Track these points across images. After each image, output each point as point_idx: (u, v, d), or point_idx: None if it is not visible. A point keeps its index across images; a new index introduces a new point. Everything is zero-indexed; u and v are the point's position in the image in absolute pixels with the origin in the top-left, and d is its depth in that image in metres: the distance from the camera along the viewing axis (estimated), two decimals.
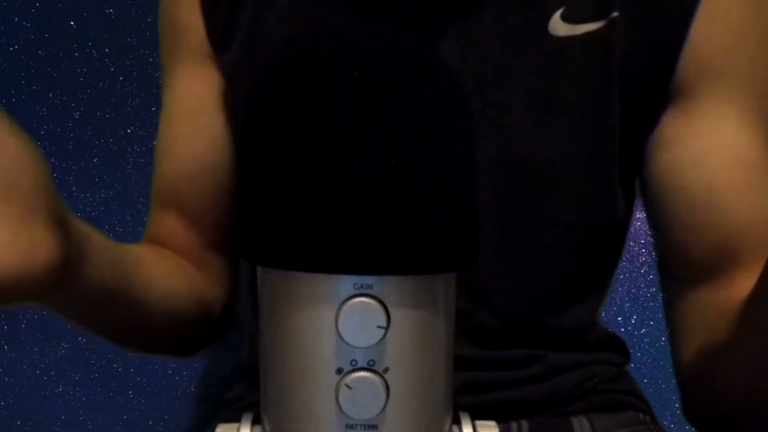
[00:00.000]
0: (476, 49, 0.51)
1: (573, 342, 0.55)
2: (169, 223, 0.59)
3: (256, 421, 0.32)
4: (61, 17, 0.94)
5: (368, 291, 0.27)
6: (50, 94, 0.94)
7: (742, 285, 0.48)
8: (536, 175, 0.51)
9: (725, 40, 0.51)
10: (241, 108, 0.55)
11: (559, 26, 0.51)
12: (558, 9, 0.51)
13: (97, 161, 0.94)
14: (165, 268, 0.54)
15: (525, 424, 0.52)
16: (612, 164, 0.53)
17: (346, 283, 0.27)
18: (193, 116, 0.59)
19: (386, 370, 0.28)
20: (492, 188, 0.50)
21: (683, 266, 0.52)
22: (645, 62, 0.51)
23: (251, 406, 0.34)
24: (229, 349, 0.93)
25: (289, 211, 0.27)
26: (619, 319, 0.97)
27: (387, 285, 0.27)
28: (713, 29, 0.50)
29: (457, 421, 0.32)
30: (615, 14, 0.50)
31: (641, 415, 0.56)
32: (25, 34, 0.93)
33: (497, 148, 0.50)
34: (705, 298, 0.51)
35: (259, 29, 0.55)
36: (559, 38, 0.51)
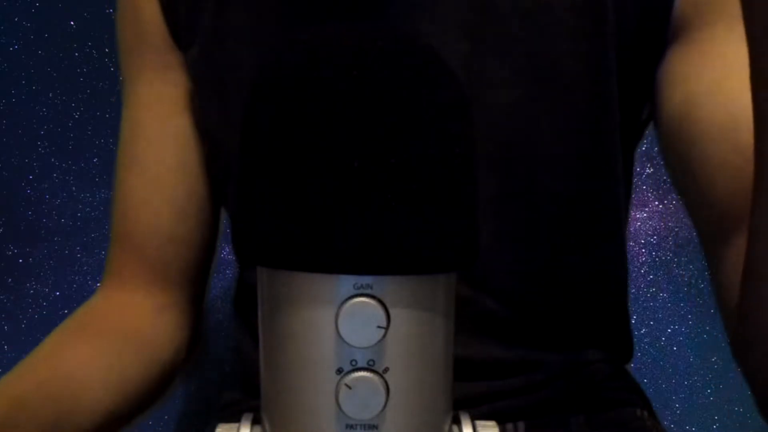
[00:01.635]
0: (454, 21, 0.48)
1: (575, 337, 0.54)
2: (126, 264, 0.57)
3: (256, 421, 0.32)
4: (61, 17, 0.94)
5: (368, 291, 0.27)
6: (50, 94, 0.94)
7: None
8: (532, 153, 0.49)
9: None
10: (204, 104, 0.55)
11: None
12: None
13: (97, 161, 0.94)
14: (103, 374, 0.51)
15: (521, 424, 0.52)
16: (613, 131, 0.50)
17: (346, 283, 0.27)
18: (163, 121, 0.57)
19: (386, 370, 0.28)
20: (486, 169, 0.48)
21: (714, 208, 0.46)
22: (640, 12, 0.48)
23: (248, 410, 0.34)
24: (228, 350, 0.93)
25: (289, 211, 0.27)
26: None
27: (387, 285, 0.27)
28: None
29: (457, 421, 0.32)
30: None
31: (639, 411, 0.56)
32: (25, 34, 0.94)
33: (488, 127, 0.48)
34: (740, 241, 0.43)
35: (221, 23, 0.53)
36: (545, 1, 0.48)
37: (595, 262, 0.54)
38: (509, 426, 0.52)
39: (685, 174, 0.48)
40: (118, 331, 0.54)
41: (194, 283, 0.59)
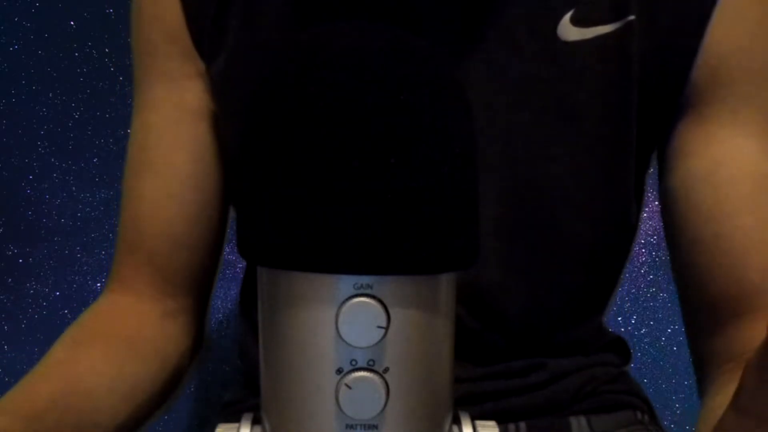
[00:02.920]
0: (482, 61, 0.49)
1: (575, 349, 0.55)
2: (134, 270, 0.56)
3: (256, 422, 0.32)
4: (61, 17, 0.94)
5: (368, 291, 0.27)
6: (50, 94, 0.94)
7: (760, 302, 0.46)
8: (547, 192, 0.49)
9: (741, 43, 0.49)
10: (228, 118, 0.54)
11: (568, 30, 0.48)
12: (567, 12, 0.48)
13: (97, 161, 0.94)
14: (116, 384, 0.51)
15: (523, 425, 0.52)
16: (628, 176, 0.51)
17: (346, 283, 0.27)
18: (179, 127, 0.56)
19: (386, 370, 0.28)
20: (501, 206, 0.48)
21: (693, 287, 0.49)
22: (660, 67, 0.49)
23: (250, 409, 0.34)
24: (229, 350, 0.93)
25: (289, 211, 0.27)
26: (619, 319, 0.97)
27: (387, 285, 0.27)
28: (730, 32, 0.48)
29: (457, 421, 0.32)
30: (631, 17, 0.48)
31: (639, 415, 0.56)
32: (25, 34, 0.94)
33: (506, 166, 0.48)
34: (729, 331, 0.48)
35: (248, 37, 0.53)
36: (569, 43, 0.48)
37: (598, 296, 0.56)
38: (511, 426, 0.52)
39: (675, 247, 0.51)
40: (127, 338, 0.54)
41: (201, 289, 0.59)
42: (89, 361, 0.51)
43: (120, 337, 0.54)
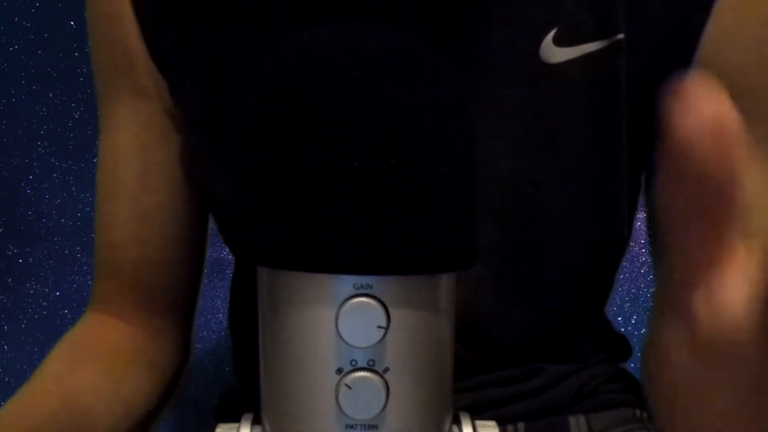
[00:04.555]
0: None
1: (574, 357, 0.55)
2: (116, 293, 0.56)
3: (256, 421, 0.32)
4: (61, 17, 0.94)
5: (368, 291, 0.27)
6: (50, 94, 0.94)
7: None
8: (535, 220, 0.48)
9: (734, 61, 0.46)
10: (195, 148, 0.52)
11: (551, 51, 0.45)
12: (549, 31, 0.45)
13: (97, 161, 0.94)
14: (112, 401, 0.51)
15: (521, 425, 0.52)
16: (620, 195, 0.49)
17: (346, 283, 0.27)
18: (148, 149, 0.54)
19: (386, 370, 0.28)
20: (489, 233, 0.46)
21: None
22: (651, 85, 0.46)
23: (250, 409, 0.34)
24: (229, 350, 0.93)
25: (289, 211, 0.27)
26: (619, 319, 0.97)
27: (387, 285, 0.27)
28: (723, 48, 0.46)
29: (457, 421, 0.32)
30: (620, 36, 0.45)
31: (638, 412, 0.56)
32: (25, 34, 0.94)
33: (493, 194, 0.47)
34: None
35: (215, 61, 0.49)
36: (552, 65, 0.45)
37: (591, 316, 0.56)
38: (509, 427, 0.52)
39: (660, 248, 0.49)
40: (121, 354, 0.54)
41: (186, 304, 0.58)
42: (87, 377, 0.51)
43: (114, 353, 0.54)
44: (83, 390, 0.50)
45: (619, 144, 0.47)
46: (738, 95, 0.48)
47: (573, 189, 0.47)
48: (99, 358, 0.53)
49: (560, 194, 0.47)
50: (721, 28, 0.46)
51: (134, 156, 0.55)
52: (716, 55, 0.46)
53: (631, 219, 0.55)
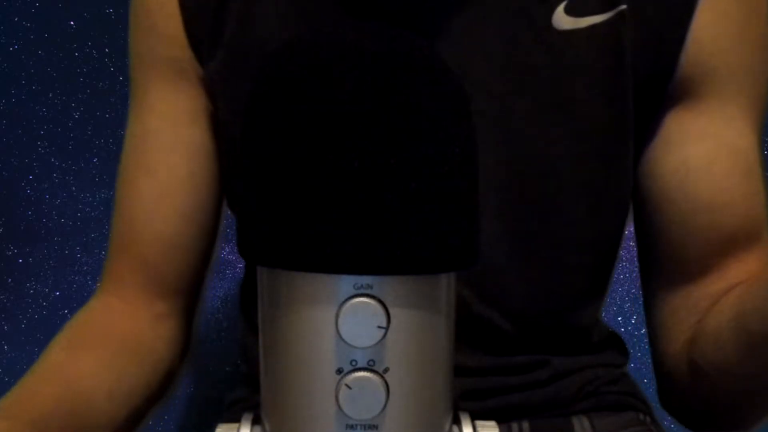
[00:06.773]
0: (479, 50, 0.50)
1: (578, 343, 0.55)
2: (127, 271, 0.57)
3: (256, 422, 0.32)
4: (61, 17, 0.94)
5: (368, 291, 0.27)
6: (50, 94, 0.94)
7: (734, 273, 0.51)
8: (547, 175, 0.51)
9: (727, 36, 0.50)
10: (227, 118, 0.55)
11: (563, 20, 0.50)
12: (562, 1, 0.50)
13: (97, 161, 0.94)
14: (113, 387, 0.51)
15: (526, 424, 0.52)
16: (626, 160, 0.52)
17: (346, 283, 0.27)
18: (176, 130, 0.57)
19: (386, 370, 0.28)
20: (502, 189, 0.49)
21: (679, 263, 0.53)
22: (649, 57, 0.50)
23: (251, 408, 0.34)
24: (229, 350, 0.93)
25: (289, 211, 0.27)
26: (619, 319, 0.97)
27: (387, 285, 0.27)
28: (715, 25, 0.50)
29: (457, 421, 0.32)
30: (623, 6, 0.49)
31: (641, 416, 0.56)
32: (25, 34, 0.94)
33: (507, 150, 0.50)
34: (698, 291, 0.52)
35: (246, 36, 0.53)
36: (563, 32, 0.50)
37: (599, 278, 0.56)
38: (514, 426, 0.52)
39: (656, 225, 0.54)
40: (122, 341, 0.54)
41: (191, 292, 0.59)
42: (88, 365, 0.51)
43: (116, 340, 0.54)
44: (84, 377, 0.50)
45: (626, 109, 0.51)
46: (726, 72, 0.51)
47: (583, 148, 0.51)
48: (100, 345, 0.53)
49: (571, 152, 0.50)
50: (710, 6, 0.50)
51: (160, 136, 0.57)
52: (706, 32, 0.50)
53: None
